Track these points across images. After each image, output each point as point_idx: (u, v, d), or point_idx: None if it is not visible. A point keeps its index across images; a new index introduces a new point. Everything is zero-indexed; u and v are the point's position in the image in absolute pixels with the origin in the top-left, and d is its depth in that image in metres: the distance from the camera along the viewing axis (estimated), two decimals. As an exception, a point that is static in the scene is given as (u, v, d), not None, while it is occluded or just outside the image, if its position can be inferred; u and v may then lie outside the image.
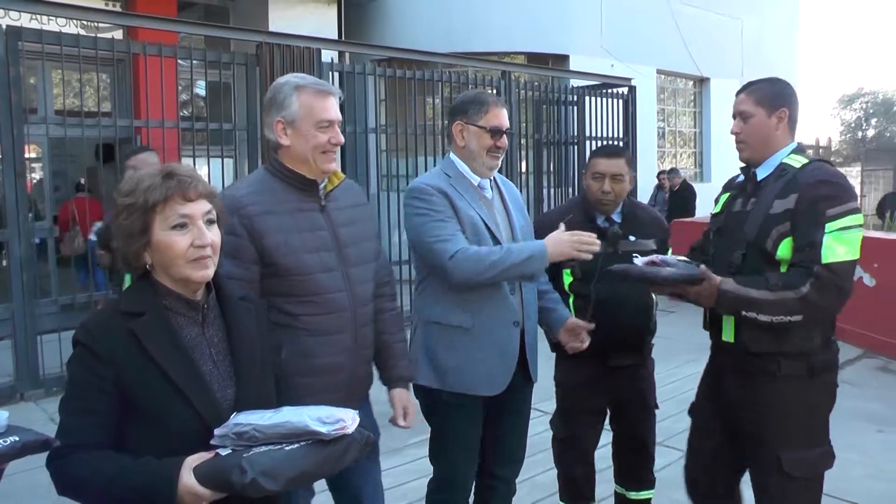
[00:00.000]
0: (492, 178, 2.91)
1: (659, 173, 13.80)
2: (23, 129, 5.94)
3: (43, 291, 6.65)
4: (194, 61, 7.02)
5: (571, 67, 12.39)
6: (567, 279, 3.15)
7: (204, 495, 1.53)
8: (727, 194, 2.86)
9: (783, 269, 2.44)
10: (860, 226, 2.43)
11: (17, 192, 5.93)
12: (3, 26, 5.89)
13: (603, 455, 3.46)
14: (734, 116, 2.68)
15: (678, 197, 12.58)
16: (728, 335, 2.58)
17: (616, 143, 10.58)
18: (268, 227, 2.28)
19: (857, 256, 2.38)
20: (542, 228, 2.97)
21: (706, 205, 14.09)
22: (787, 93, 2.62)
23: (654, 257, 2.56)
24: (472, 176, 2.83)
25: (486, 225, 2.75)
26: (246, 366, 1.79)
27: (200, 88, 10.19)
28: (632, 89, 10.94)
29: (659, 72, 14.90)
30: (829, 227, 2.35)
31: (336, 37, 10.14)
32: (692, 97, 16.69)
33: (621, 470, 3.42)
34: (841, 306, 2.41)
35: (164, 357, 1.65)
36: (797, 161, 2.53)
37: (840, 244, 2.35)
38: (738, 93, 2.68)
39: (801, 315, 2.37)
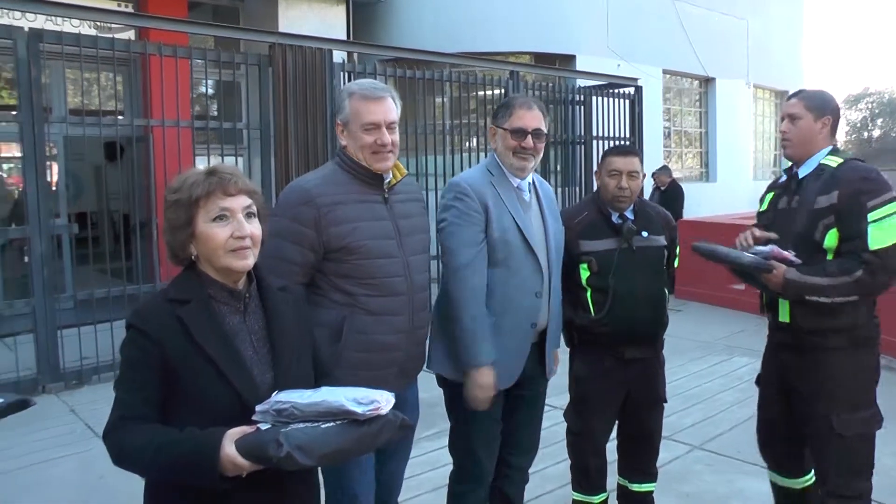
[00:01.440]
0: (531, 180, 2.99)
1: (653, 172, 13.76)
2: (43, 129, 6.06)
3: (58, 287, 6.77)
4: (206, 61, 7.11)
5: (578, 67, 12.47)
6: (584, 273, 3.22)
7: (243, 466, 1.62)
8: (772, 193, 3.17)
9: (829, 256, 2.83)
10: None
11: (39, 189, 6.05)
12: (26, 28, 6.00)
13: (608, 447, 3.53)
14: (782, 118, 3.05)
15: (666, 196, 12.08)
16: (784, 316, 2.97)
17: (623, 142, 10.66)
18: (336, 216, 2.45)
19: None
20: None
21: (712, 204, 14.09)
22: (833, 104, 3.02)
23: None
24: (512, 177, 2.93)
25: (519, 230, 2.84)
26: (284, 352, 1.89)
27: (211, 88, 10.29)
28: (638, 89, 11.01)
29: (665, 72, 14.96)
30: (870, 217, 2.74)
31: (344, 37, 10.23)
32: (697, 97, 16.74)
33: (626, 462, 3.48)
34: (890, 284, 2.79)
35: (207, 342, 1.76)
36: (834, 161, 2.90)
37: (882, 231, 2.73)
38: (790, 97, 3.06)
39: (857, 295, 2.77)
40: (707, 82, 16.47)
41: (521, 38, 12.59)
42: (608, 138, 10.56)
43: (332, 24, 10.32)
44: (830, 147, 2.98)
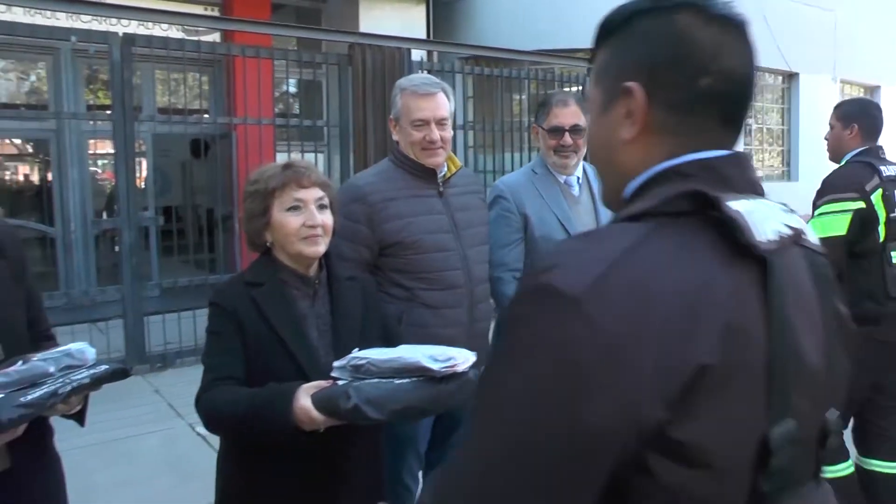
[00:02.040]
0: (580, 174, 3.03)
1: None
2: (134, 127, 6.41)
3: (145, 276, 7.15)
4: (289, 61, 7.36)
5: (656, 63, 12.32)
6: None
7: (317, 419, 1.74)
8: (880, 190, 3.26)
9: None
10: None
11: (129, 184, 6.40)
12: (120, 34, 6.35)
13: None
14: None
15: None
16: None
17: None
18: (388, 212, 2.51)
19: None
20: None
21: (794, 204, 13.88)
22: (862, 112, 3.47)
23: None
24: (557, 174, 2.97)
25: (563, 227, 2.86)
26: (345, 339, 2.02)
27: (293, 87, 10.59)
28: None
29: (747, 67, 14.64)
30: (816, 212, 3.27)
31: (424, 36, 10.37)
32: (780, 93, 16.29)
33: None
34: None
35: (278, 322, 1.93)
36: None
37: (816, 227, 3.13)
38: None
39: None
40: (790, 77, 16.00)
41: (601, 34, 12.49)
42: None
43: (413, 23, 10.46)
44: (857, 150, 3.38)
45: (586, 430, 0.78)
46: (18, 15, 7.97)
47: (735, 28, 1.00)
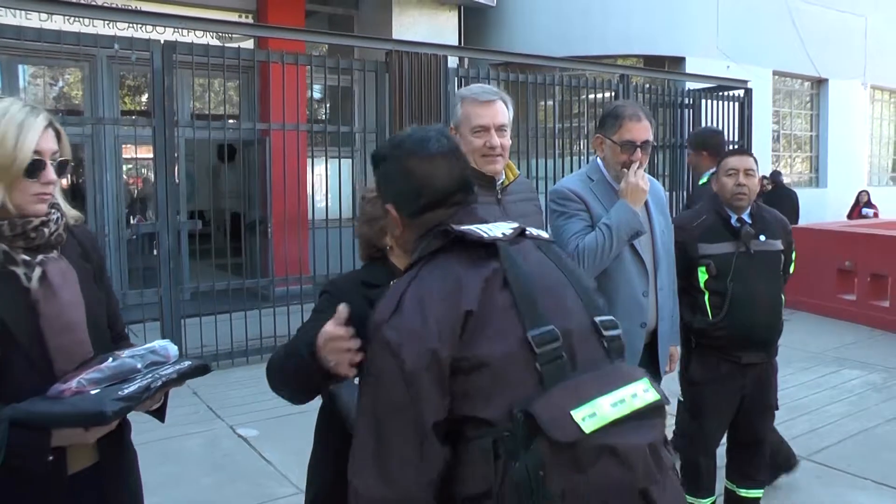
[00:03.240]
0: None
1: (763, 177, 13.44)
2: (174, 133, 6.50)
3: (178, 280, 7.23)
4: (324, 67, 7.44)
5: (687, 69, 12.30)
6: (703, 276, 3.27)
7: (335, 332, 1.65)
8: None
9: None
10: None
11: (168, 188, 6.49)
12: (162, 41, 6.46)
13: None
14: None
15: (771, 200, 11.72)
16: None
17: (731, 146, 10.49)
18: None
19: None
20: (676, 230, 3.18)
21: (822, 211, 13.58)
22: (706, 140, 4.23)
23: None
24: (614, 182, 2.98)
25: None
26: None
27: (324, 93, 10.68)
28: (748, 91, 10.79)
29: (775, 73, 14.55)
30: None
31: (456, 42, 10.43)
32: (808, 99, 16.19)
33: (735, 466, 3.50)
34: None
35: None
36: None
37: None
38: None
39: None
40: (819, 83, 15.90)
41: (633, 40, 12.51)
42: (716, 142, 10.39)
43: (445, 29, 10.53)
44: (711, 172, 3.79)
45: (412, 373, 1.42)
46: (58, 23, 8.10)
47: (442, 153, 1.64)
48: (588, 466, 1.35)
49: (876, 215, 13.74)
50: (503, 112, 2.62)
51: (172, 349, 1.80)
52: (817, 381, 6.40)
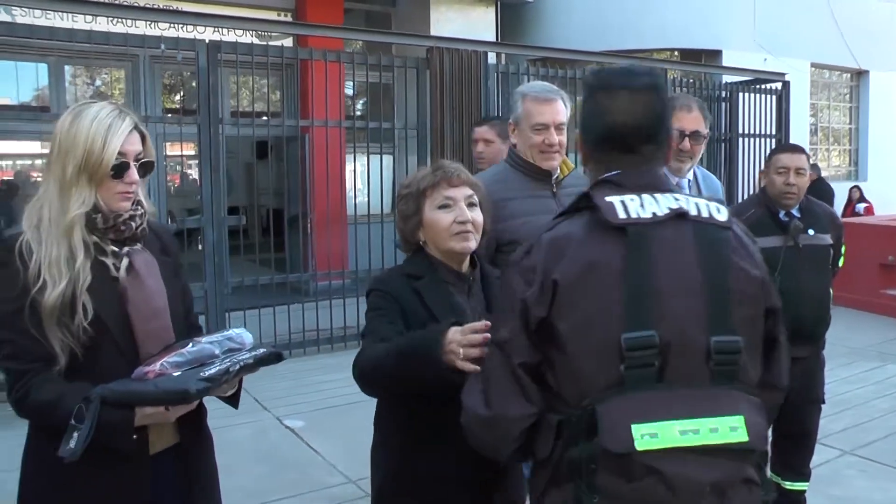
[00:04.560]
0: (690, 177, 3.09)
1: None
2: (219, 130, 6.63)
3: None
4: (365, 65, 7.54)
5: (724, 62, 12.22)
6: None
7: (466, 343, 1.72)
8: None
9: None
10: None
11: (213, 185, 6.63)
12: (207, 41, 6.59)
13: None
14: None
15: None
16: None
17: (768, 139, 10.41)
18: (506, 211, 2.60)
19: None
20: None
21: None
22: None
23: None
24: (671, 176, 3.01)
25: None
26: None
27: (364, 89, 10.75)
28: (785, 84, 10.70)
29: (813, 65, 14.38)
30: None
31: (493, 38, 10.47)
32: (847, 91, 15.97)
33: (781, 459, 3.49)
34: None
35: (440, 312, 1.98)
36: None
37: None
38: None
39: None
40: (859, 75, 15.68)
41: (669, 34, 12.45)
42: (754, 135, 10.32)
43: (482, 25, 10.57)
44: None
45: (515, 305, 1.49)
46: (101, 24, 8.28)
47: (629, 89, 1.59)
48: (634, 479, 1.37)
49: (869, 210, 13.43)
50: (562, 110, 2.71)
51: (248, 336, 1.89)
52: (860, 375, 6.35)
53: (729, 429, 1.40)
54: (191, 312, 2.08)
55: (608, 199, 1.50)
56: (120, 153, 1.76)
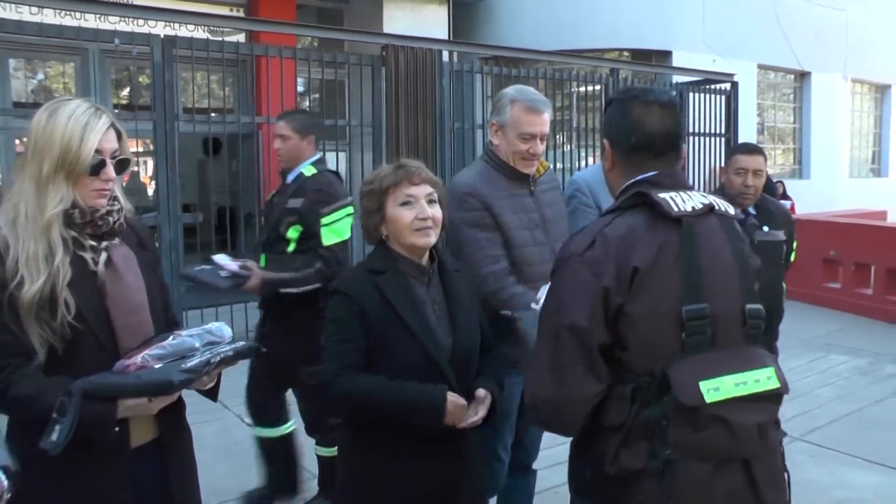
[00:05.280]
0: None
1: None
2: (174, 126, 6.55)
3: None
4: (321, 62, 7.51)
5: (674, 63, 12.46)
6: None
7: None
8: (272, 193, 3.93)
9: (291, 247, 3.54)
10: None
11: (169, 181, 6.55)
12: (161, 35, 6.50)
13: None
14: None
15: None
16: None
17: (718, 138, 10.66)
18: (493, 210, 2.70)
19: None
20: None
21: (805, 201, 13.75)
22: (314, 123, 4.02)
23: None
24: None
25: None
26: (460, 320, 2.22)
27: (316, 86, 10.68)
28: (734, 85, 10.97)
29: (759, 66, 14.75)
30: (323, 221, 3.47)
31: (446, 36, 10.51)
32: (791, 92, 16.42)
33: None
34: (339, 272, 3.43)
35: (400, 305, 2.12)
36: (309, 171, 3.70)
37: (332, 232, 3.50)
38: (279, 120, 3.79)
39: (319, 283, 3.46)
40: (802, 77, 16.13)
41: (621, 34, 12.62)
42: (704, 134, 10.57)
43: (435, 22, 10.59)
44: (314, 158, 3.71)
45: (597, 294, 1.69)
46: (48, 17, 8.10)
47: (660, 103, 1.86)
48: (702, 428, 1.65)
49: (791, 208, 13.83)
50: (547, 122, 2.79)
51: (227, 330, 1.91)
52: (807, 366, 6.59)
53: (766, 378, 1.73)
54: (169, 307, 2.09)
55: (661, 195, 1.76)
56: (97, 151, 1.77)
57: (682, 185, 1.85)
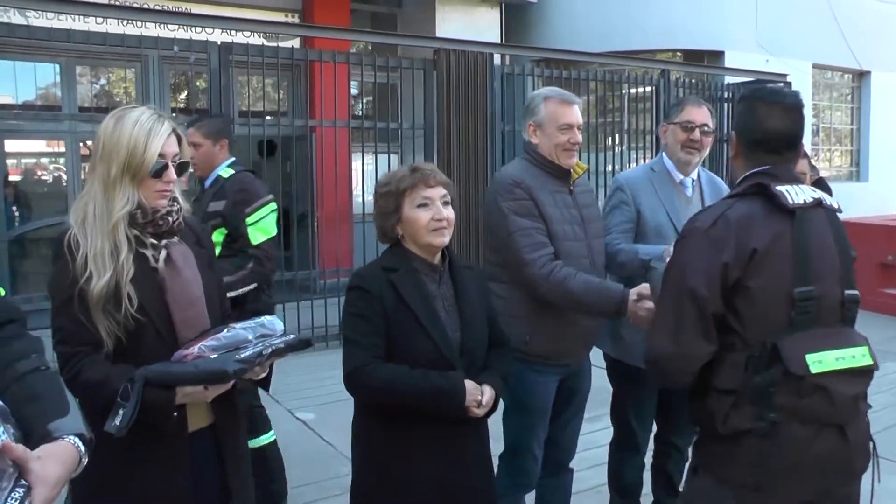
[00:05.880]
0: (694, 177, 3.25)
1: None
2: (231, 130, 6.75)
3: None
4: (373, 66, 7.66)
5: (727, 63, 12.32)
6: None
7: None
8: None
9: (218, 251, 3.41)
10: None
11: (225, 184, 6.74)
12: (218, 42, 6.72)
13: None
14: None
15: None
16: None
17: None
18: (539, 199, 2.80)
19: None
20: None
21: (863, 205, 13.50)
22: (227, 128, 3.90)
23: None
24: (675, 173, 3.20)
25: (672, 224, 3.07)
26: (469, 316, 2.35)
27: (370, 90, 10.84)
28: (787, 85, 10.80)
29: (815, 66, 14.47)
30: (248, 220, 3.49)
31: (498, 39, 10.59)
32: (849, 92, 16.05)
33: None
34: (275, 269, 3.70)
35: (413, 301, 2.25)
36: (226, 173, 3.65)
37: (258, 230, 3.53)
38: (189, 126, 3.62)
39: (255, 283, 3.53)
40: (861, 76, 15.76)
41: (672, 35, 12.53)
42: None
43: (487, 27, 10.68)
44: (230, 161, 3.66)
45: (717, 268, 1.94)
46: (112, 26, 8.40)
47: (783, 105, 2.10)
48: (805, 395, 1.91)
49: None
50: (580, 114, 2.92)
51: (279, 324, 2.03)
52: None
53: (861, 356, 1.98)
54: (225, 301, 2.22)
55: (778, 188, 1.99)
56: (160, 155, 1.91)
57: (795, 180, 2.10)
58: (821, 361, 1.90)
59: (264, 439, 3.78)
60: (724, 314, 1.97)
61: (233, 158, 3.71)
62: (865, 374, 2.02)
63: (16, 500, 1.21)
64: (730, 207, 2.03)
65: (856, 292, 2.05)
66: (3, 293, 1.71)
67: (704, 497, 2.09)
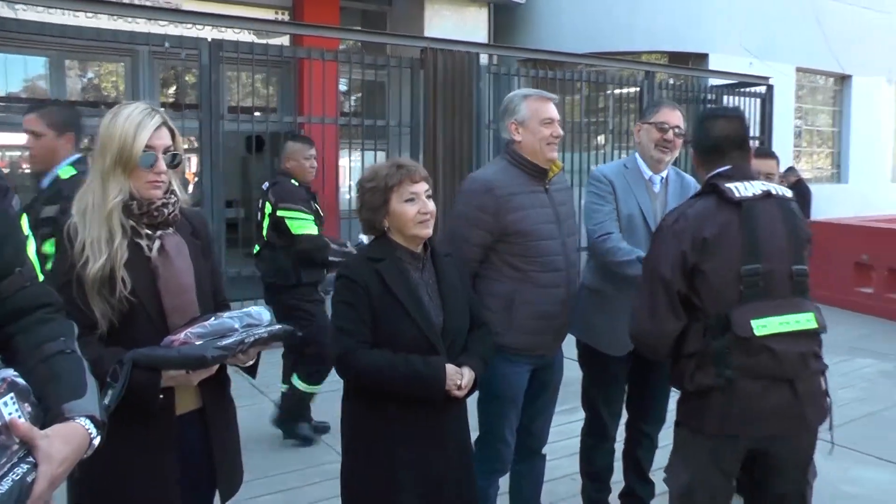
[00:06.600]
0: (663, 175, 3.41)
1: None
2: (219, 125, 6.86)
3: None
4: (361, 64, 7.76)
5: (711, 66, 12.47)
6: None
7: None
8: None
9: None
10: None
11: (213, 178, 6.85)
12: (209, 39, 6.82)
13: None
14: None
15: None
16: None
17: (752, 141, 10.67)
18: (512, 204, 2.94)
19: None
20: None
21: (844, 206, 13.64)
22: (75, 119, 3.41)
23: None
24: (645, 171, 3.38)
25: (642, 213, 3.28)
26: (451, 302, 2.52)
27: (358, 88, 10.92)
28: (769, 88, 10.99)
29: (798, 69, 14.66)
30: None
31: (486, 39, 10.71)
32: (832, 95, 16.26)
33: None
34: None
35: (398, 289, 2.41)
36: (67, 173, 3.23)
37: None
38: (27, 115, 3.29)
39: None
40: (843, 80, 15.97)
41: (658, 37, 12.67)
42: (737, 137, 10.57)
43: (475, 26, 10.79)
44: (74, 158, 3.26)
45: (679, 255, 2.38)
46: (103, 21, 8.45)
47: (724, 116, 2.61)
48: (754, 355, 2.31)
49: None
50: (555, 108, 3.09)
51: (266, 314, 2.15)
52: (830, 368, 6.47)
53: (806, 320, 2.37)
54: (220, 291, 2.34)
55: (727, 185, 2.40)
56: (148, 146, 2.03)
57: (748, 177, 2.49)
58: (765, 325, 2.29)
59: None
60: (687, 294, 2.37)
61: (78, 155, 3.30)
62: (812, 335, 2.40)
63: (18, 476, 1.28)
64: (691, 206, 2.46)
65: (804, 267, 2.41)
66: (40, 278, 1.79)
67: (686, 446, 2.49)
